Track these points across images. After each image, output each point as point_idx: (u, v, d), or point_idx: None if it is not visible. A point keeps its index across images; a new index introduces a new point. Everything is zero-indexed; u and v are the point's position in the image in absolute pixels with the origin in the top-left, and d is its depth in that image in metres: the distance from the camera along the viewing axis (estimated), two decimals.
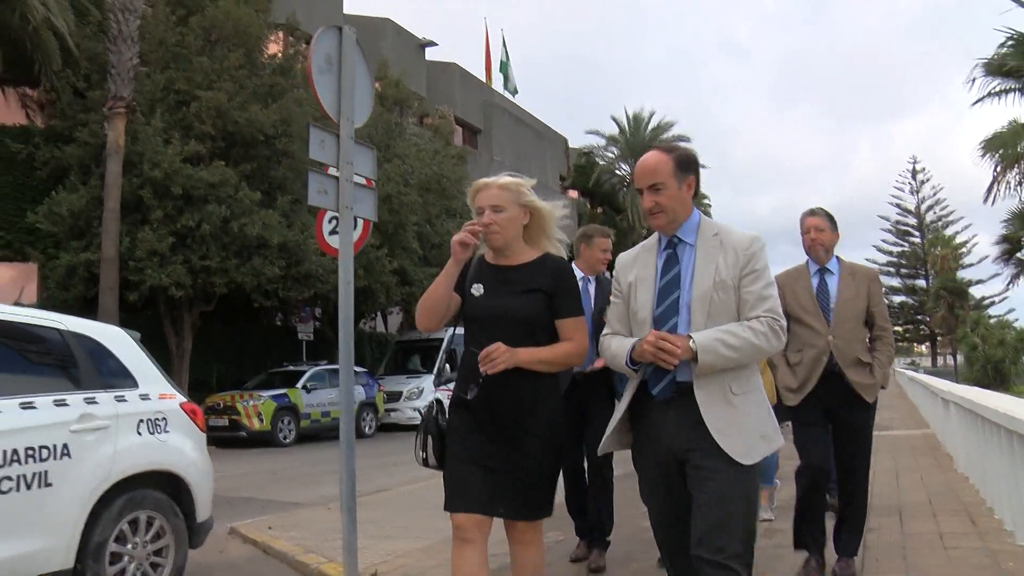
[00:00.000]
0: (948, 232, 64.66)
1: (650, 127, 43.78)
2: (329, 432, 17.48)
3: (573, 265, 5.05)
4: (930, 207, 66.87)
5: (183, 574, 4.77)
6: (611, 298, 3.14)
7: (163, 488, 4.69)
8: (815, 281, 4.63)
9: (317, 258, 17.08)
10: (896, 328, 73.88)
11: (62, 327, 4.50)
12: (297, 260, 17.08)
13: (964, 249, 62.57)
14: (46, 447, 4.02)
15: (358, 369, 17.91)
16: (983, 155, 24.29)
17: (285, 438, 16.82)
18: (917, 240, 67.38)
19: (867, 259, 66.39)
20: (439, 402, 3.41)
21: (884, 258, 68.28)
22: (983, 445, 6.91)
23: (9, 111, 20.32)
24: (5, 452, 3.83)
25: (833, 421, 4.58)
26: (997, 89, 23.36)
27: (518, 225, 3.21)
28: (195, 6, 18.26)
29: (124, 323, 14.63)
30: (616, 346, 2.94)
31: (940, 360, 66.29)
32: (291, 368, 18.71)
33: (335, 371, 18.57)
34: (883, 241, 69.03)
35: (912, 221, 67.81)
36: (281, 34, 21.11)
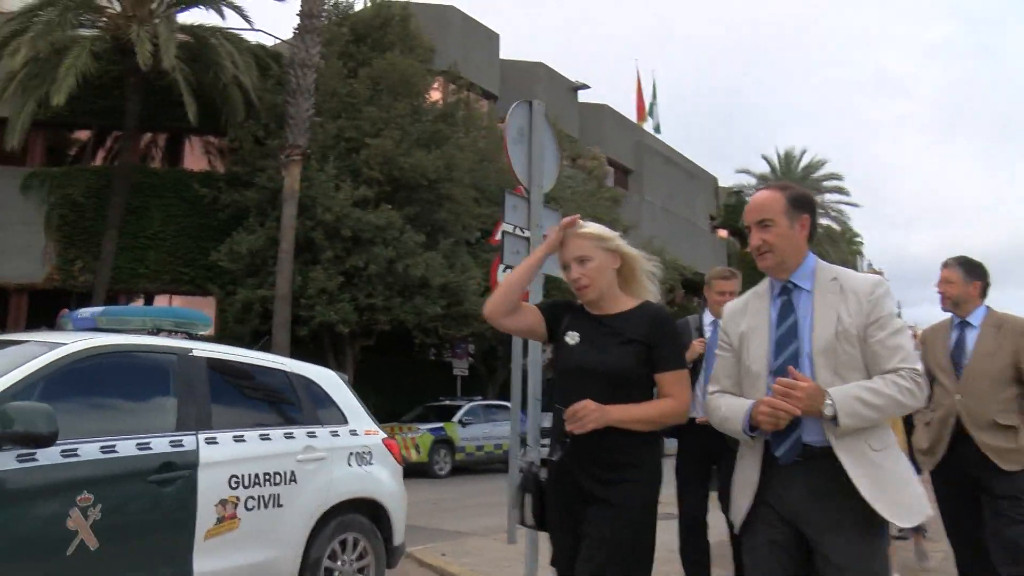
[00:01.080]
0: None
1: (801, 165, 43.20)
2: (482, 465, 18.11)
3: (706, 311, 5.22)
4: None
5: None
6: (717, 351, 2.87)
7: (367, 513, 5.25)
8: (954, 335, 4.41)
9: (476, 298, 17.81)
10: None
11: (287, 369, 5.15)
12: (457, 300, 17.82)
13: None
14: (279, 473, 4.64)
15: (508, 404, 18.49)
16: None
17: (441, 470, 17.50)
18: None
19: None
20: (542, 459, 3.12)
21: None
22: None
23: (195, 158, 22.22)
24: (251, 475, 4.47)
25: (975, 489, 4.24)
26: None
27: (609, 273, 3.00)
28: (364, 58, 19.52)
29: (292, 356, 15.72)
30: (727, 407, 2.68)
31: None
32: (447, 402, 19.45)
33: (489, 406, 19.21)
34: None
35: None
36: (441, 80, 22.23)
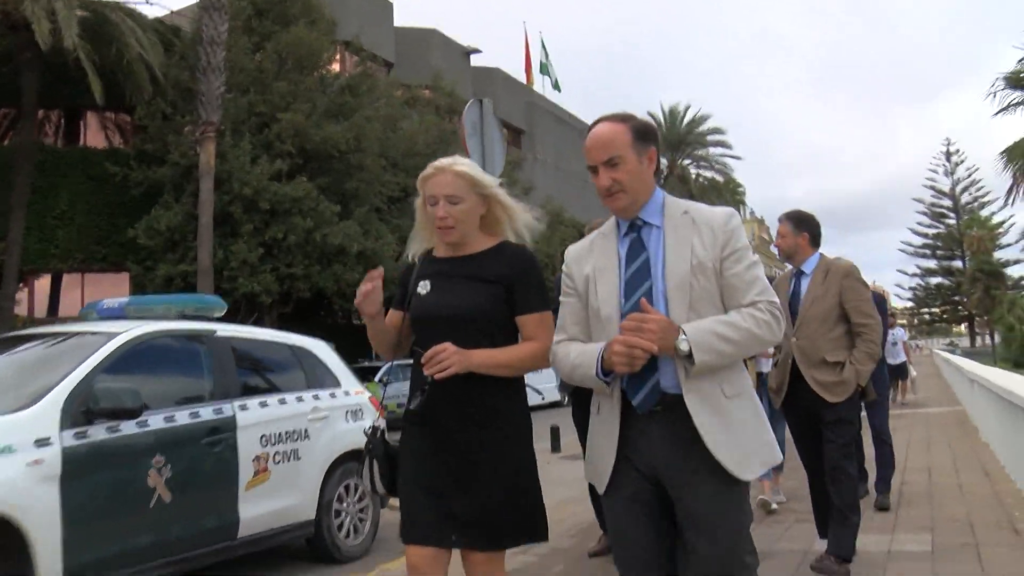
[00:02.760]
0: (985, 213, 65.01)
1: (686, 121, 44.97)
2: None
3: None
4: (965, 188, 67.22)
5: (378, 526, 6.18)
6: (562, 298, 2.62)
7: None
8: (792, 284, 4.68)
9: (392, 263, 18.53)
10: (934, 309, 74.66)
11: (290, 342, 5.94)
12: (374, 266, 18.44)
13: (1001, 229, 62.90)
14: (296, 431, 5.45)
15: None
16: (1004, 164, 25.56)
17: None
18: (952, 222, 67.77)
19: (903, 241, 67.28)
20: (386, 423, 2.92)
21: (919, 240, 68.85)
22: (1000, 416, 8.27)
23: (94, 135, 22.05)
24: (276, 434, 5.28)
25: (814, 419, 4.56)
26: (1016, 101, 24.84)
27: (476, 217, 2.77)
28: (267, 32, 19.78)
29: None
30: (576, 354, 2.46)
31: (979, 340, 66.73)
32: (367, 364, 20.20)
33: (407, 365, 20.01)
34: (918, 224, 69.56)
35: (947, 203, 68.22)
36: (342, 51, 22.61)
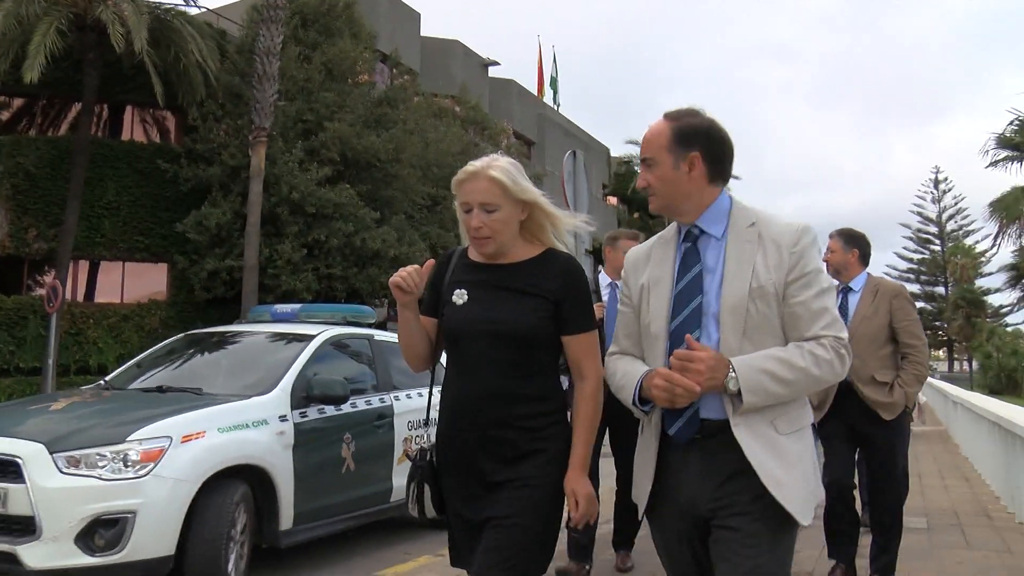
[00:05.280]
0: (968, 241, 66.85)
1: None
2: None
3: (601, 272, 5.17)
4: (951, 216, 69.03)
5: None
6: (619, 306, 2.47)
7: None
8: (839, 300, 4.58)
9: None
10: None
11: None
12: None
13: (984, 258, 64.72)
14: (415, 420, 6.65)
15: None
16: (991, 215, 29.64)
17: None
18: (937, 248, 69.57)
19: (888, 264, 69.00)
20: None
21: (904, 264, 70.57)
22: (977, 432, 10.06)
23: (140, 131, 23.16)
24: (412, 421, 6.48)
25: (857, 439, 4.64)
26: (1002, 157, 28.18)
27: (514, 225, 2.54)
28: (313, 42, 20.98)
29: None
30: (622, 375, 2.33)
31: (956, 366, 68.61)
32: None
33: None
34: (904, 248, 71.32)
35: (933, 229, 69.99)
36: (382, 65, 23.89)
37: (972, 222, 67.08)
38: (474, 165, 2.53)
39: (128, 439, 4.49)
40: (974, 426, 10.79)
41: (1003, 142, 27.57)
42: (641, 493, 2.33)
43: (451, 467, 2.56)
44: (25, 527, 4.31)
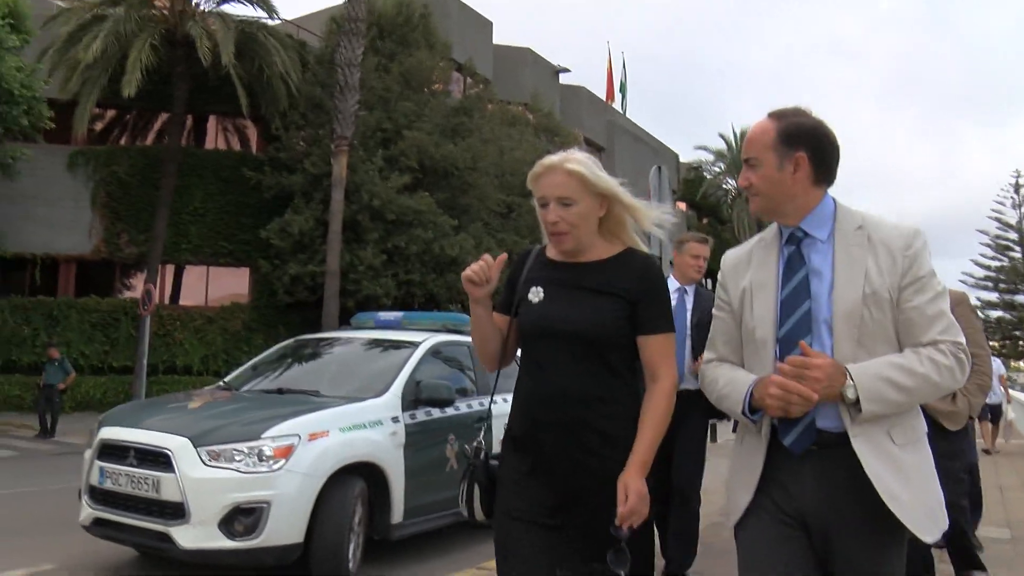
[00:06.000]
0: None
1: None
2: None
3: (669, 276, 4.90)
4: None
5: None
6: (715, 311, 2.42)
7: None
8: None
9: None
10: (992, 343, 74.68)
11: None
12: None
13: None
14: None
15: None
16: None
17: None
18: (1018, 255, 67.72)
19: (963, 272, 67.40)
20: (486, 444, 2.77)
21: (981, 272, 68.77)
22: None
23: (221, 139, 24.02)
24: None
25: None
26: None
27: (593, 220, 2.49)
28: (390, 53, 21.56)
29: (340, 324, 18.02)
30: (726, 383, 2.27)
31: None
32: None
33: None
34: (981, 255, 69.58)
35: (1013, 236, 68.11)
36: (456, 73, 24.40)
37: None
38: (551, 159, 2.49)
39: (262, 436, 4.92)
40: None
41: None
42: (736, 501, 2.25)
43: (517, 466, 2.49)
44: (176, 511, 4.82)
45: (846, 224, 2.19)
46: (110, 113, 23.02)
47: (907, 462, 2.09)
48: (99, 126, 22.52)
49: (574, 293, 2.46)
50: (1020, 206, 68.59)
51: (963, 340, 2.11)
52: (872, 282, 2.09)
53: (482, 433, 2.80)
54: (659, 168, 8.09)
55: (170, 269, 22.75)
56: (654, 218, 2.56)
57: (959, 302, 4.46)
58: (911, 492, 2.06)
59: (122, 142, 22.93)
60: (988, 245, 70.31)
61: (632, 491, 2.31)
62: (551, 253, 2.57)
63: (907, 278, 2.10)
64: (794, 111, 2.25)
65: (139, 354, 18.50)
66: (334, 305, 18.87)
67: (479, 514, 2.63)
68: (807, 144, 2.19)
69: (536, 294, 2.50)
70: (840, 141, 2.28)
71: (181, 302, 22.58)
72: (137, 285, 21.55)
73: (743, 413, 2.18)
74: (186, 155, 21.78)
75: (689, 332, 4.64)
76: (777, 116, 2.23)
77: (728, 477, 2.34)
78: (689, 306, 4.74)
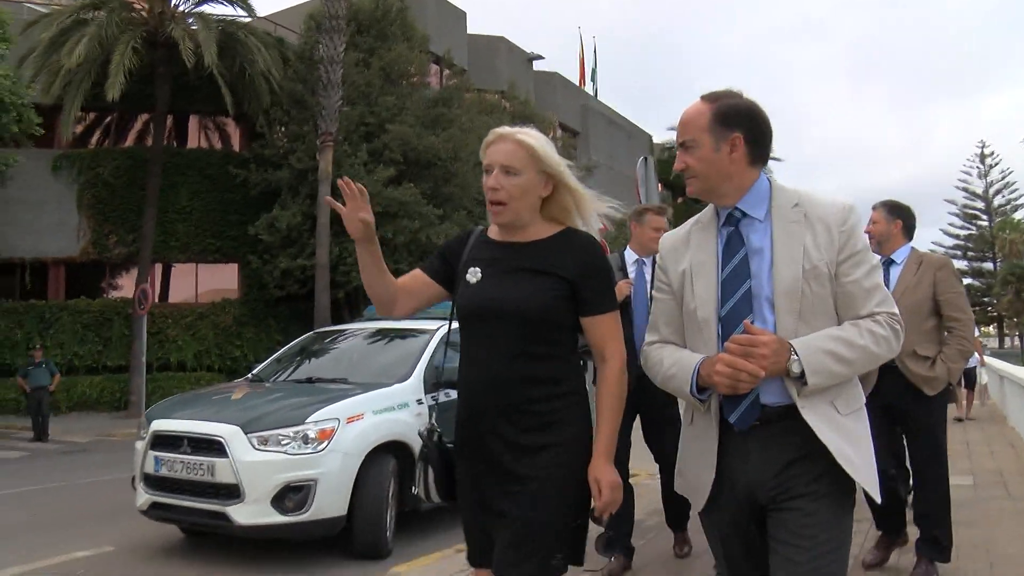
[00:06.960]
0: (1017, 216, 66.29)
1: None
2: None
3: (627, 248, 4.91)
4: (998, 191, 68.44)
5: None
6: (655, 293, 2.41)
7: None
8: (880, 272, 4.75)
9: None
10: None
11: None
12: None
13: None
14: None
15: None
16: None
17: None
18: (985, 224, 69.04)
19: (933, 241, 68.71)
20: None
21: (951, 241, 70.12)
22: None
23: (202, 137, 24.24)
24: None
25: (896, 418, 4.43)
26: None
27: (534, 197, 2.44)
28: (369, 47, 21.89)
29: (331, 315, 18.41)
30: (671, 363, 2.26)
31: (1007, 342, 68.22)
32: None
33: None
34: (950, 224, 70.85)
35: (980, 205, 69.40)
36: (434, 65, 24.79)
37: (1020, 196, 66.60)
38: (505, 128, 2.46)
39: (306, 421, 5.40)
40: (1021, 399, 11.57)
41: None
42: (701, 485, 2.26)
43: (464, 452, 2.47)
44: (231, 492, 5.31)
45: (782, 202, 2.22)
46: (91, 116, 23.21)
47: (852, 429, 2.15)
48: (79, 129, 22.69)
49: (513, 274, 2.41)
50: (986, 176, 70.00)
51: (897, 311, 2.18)
52: (811, 257, 2.13)
53: (434, 415, 2.77)
54: (645, 159, 8.56)
55: (159, 268, 23.03)
56: (598, 208, 2.54)
57: (942, 266, 4.52)
58: (860, 456, 2.13)
59: (104, 144, 23.11)
60: (956, 215, 71.67)
61: (604, 484, 2.32)
62: (492, 233, 2.53)
63: (844, 252, 2.15)
64: (727, 93, 2.26)
65: (137, 353, 18.83)
66: (325, 297, 19.28)
67: (434, 496, 2.60)
68: (742, 125, 2.21)
69: (474, 275, 2.46)
70: (771, 120, 2.30)
71: (171, 299, 22.87)
72: (127, 285, 21.84)
73: (691, 393, 2.20)
74: (170, 155, 22.02)
75: (649, 304, 4.35)
76: (711, 99, 2.24)
77: (680, 456, 2.37)
78: (648, 277, 4.59)
